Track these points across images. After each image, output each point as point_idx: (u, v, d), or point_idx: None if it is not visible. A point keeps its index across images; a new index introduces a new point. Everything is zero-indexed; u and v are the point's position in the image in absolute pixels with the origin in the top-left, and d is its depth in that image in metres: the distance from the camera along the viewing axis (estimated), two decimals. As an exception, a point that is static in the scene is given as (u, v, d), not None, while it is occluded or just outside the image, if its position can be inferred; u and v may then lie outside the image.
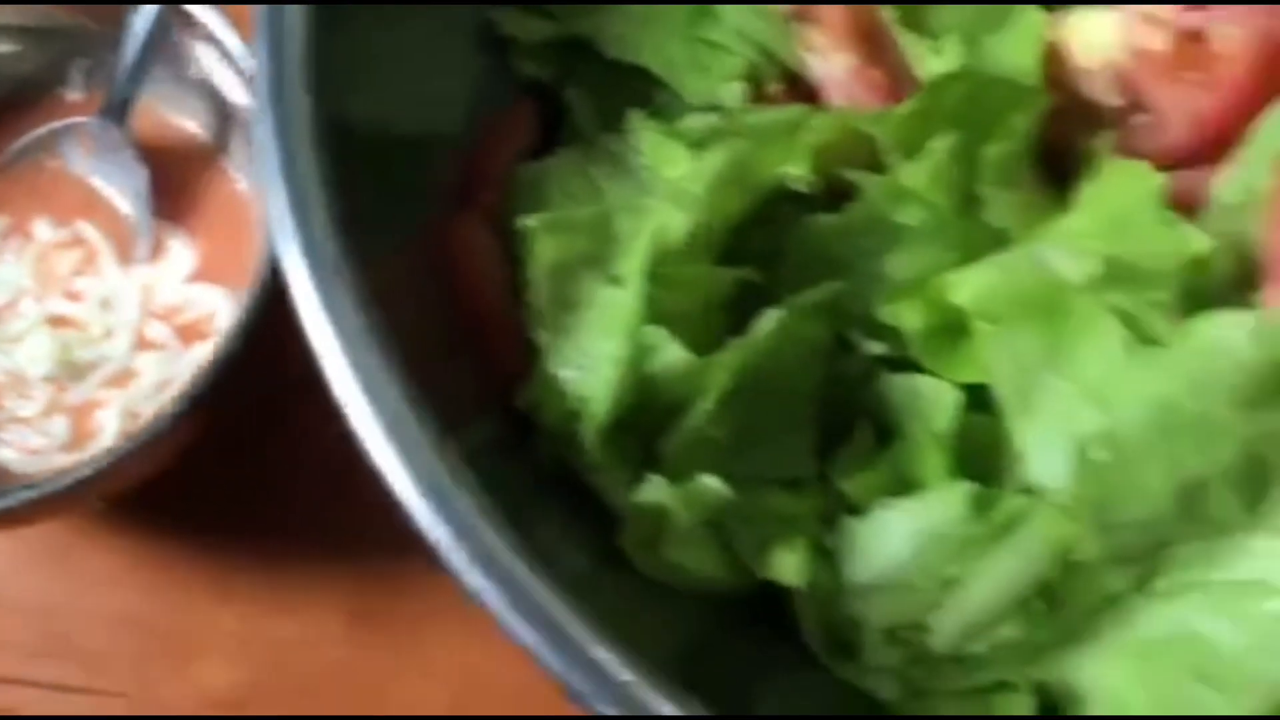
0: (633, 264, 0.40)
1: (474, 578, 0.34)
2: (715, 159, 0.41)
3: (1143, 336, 0.38)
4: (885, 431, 0.43)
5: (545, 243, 0.40)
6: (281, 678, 0.50)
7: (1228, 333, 0.37)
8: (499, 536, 0.34)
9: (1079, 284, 0.39)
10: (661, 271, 0.40)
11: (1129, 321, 0.38)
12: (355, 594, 0.51)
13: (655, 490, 0.38)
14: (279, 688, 0.50)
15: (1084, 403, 0.38)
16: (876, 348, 0.43)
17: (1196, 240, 0.40)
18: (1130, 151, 0.45)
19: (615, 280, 0.40)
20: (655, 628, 0.39)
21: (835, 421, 0.43)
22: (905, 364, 0.42)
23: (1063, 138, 0.46)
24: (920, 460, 0.41)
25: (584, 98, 0.50)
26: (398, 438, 0.35)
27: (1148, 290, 0.39)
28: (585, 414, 0.39)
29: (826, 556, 0.41)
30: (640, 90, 0.49)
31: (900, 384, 0.42)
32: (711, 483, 0.39)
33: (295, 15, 0.40)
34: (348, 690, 0.50)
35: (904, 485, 0.41)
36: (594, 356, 0.39)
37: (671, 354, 0.39)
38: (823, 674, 0.41)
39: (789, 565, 0.39)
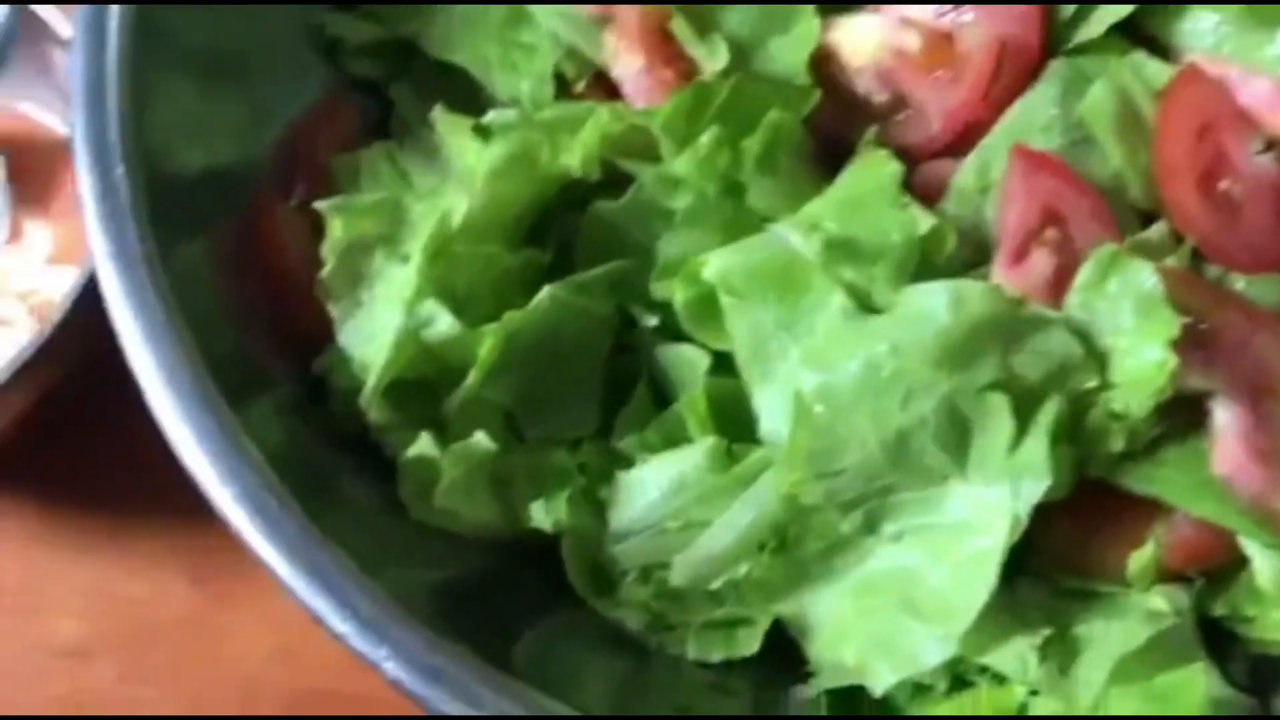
0: (418, 244, 0.47)
1: (232, 514, 0.41)
2: (498, 149, 0.49)
3: (866, 306, 0.46)
4: (663, 396, 0.51)
5: (335, 224, 0.47)
6: (123, 629, 0.57)
7: (928, 300, 0.44)
8: (261, 479, 0.41)
9: (811, 259, 0.46)
10: (446, 251, 0.48)
11: (855, 292, 0.46)
12: (196, 554, 0.58)
13: (425, 446, 0.46)
14: (120, 638, 0.57)
15: (807, 364, 0.45)
16: (651, 320, 0.50)
17: (923, 220, 0.47)
18: (894, 143, 0.53)
19: (403, 259, 0.48)
20: (428, 567, 0.46)
21: (622, 386, 0.51)
22: (678, 334, 0.50)
23: (836, 130, 0.53)
24: (685, 419, 0.49)
25: (409, 95, 0.57)
26: (177, 397, 0.42)
27: (874, 265, 0.46)
28: (367, 378, 0.46)
29: (597, 506, 0.48)
30: (462, 88, 0.57)
31: (670, 352, 0.50)
32: (481, 440, 0.46)
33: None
34: (184, 639, 0.57)
35: (673, 442, 0.49)
36: (378, 327, 0.47)
37: (444, 325, 0.46)
38: (582, 611, 0.48)
39: (540, 514, 0.47)
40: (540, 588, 0.48)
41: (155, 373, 0.42)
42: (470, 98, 0.57)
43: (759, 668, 0.47)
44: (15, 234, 0.59)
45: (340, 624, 0.39)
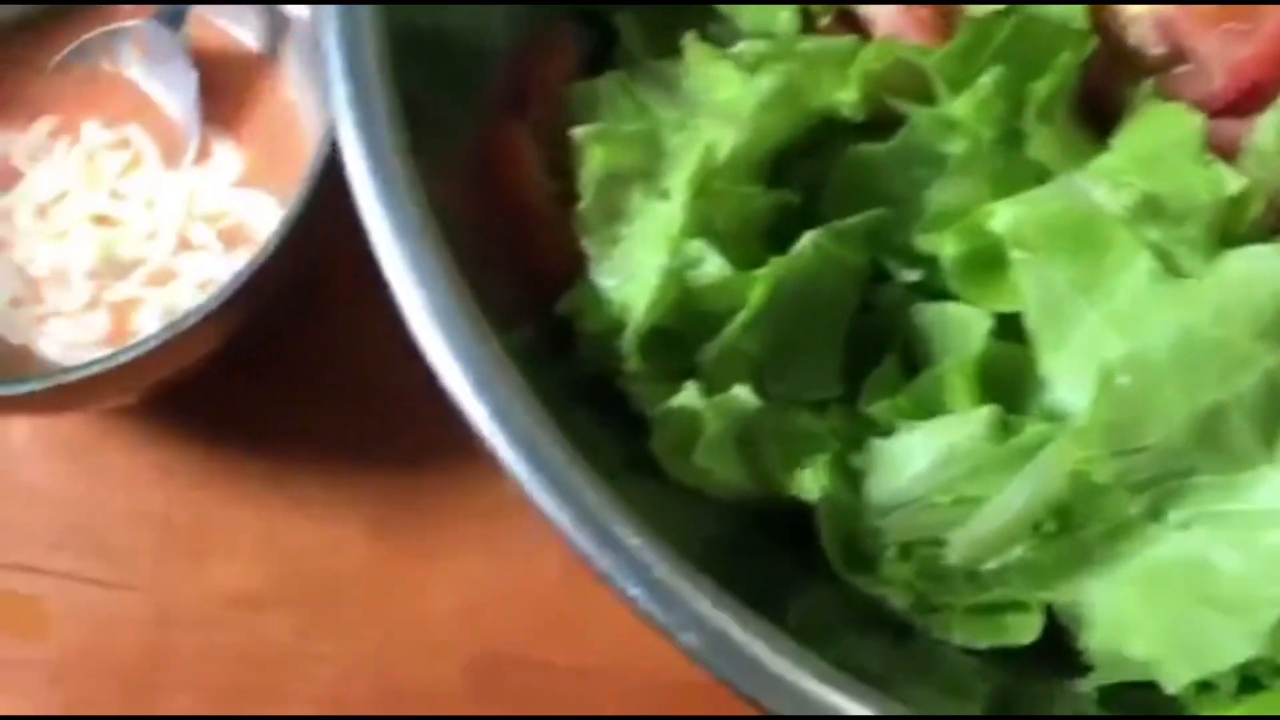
0: (681, 178, 0.43)
1: (513, 460, 0.38)
2: (766, 81, 0.45)
3: (1173, 270, 0.42)
4: (911, 360, 0.47)
5: (595, 153, 0.43)
6: (298, 580, 0.54)
7: (1260, 264, 0.40)
8: (539, 423, 0.38)
9: (1115, 216, 0.42)
10: (708, 187, 0.44)
11: (1160, 255, 0.42)
12: (374, 502, 0.55)
13: (689, 397, 0.42)
14: (295, 589, 0.54)
15: (1111, 329, 0.41)
16: (912, 275, 0.46)
17: (1232, 180, 0.43)
18: (1170, 99, 0.49)
19: (663, 194, 0.44)
20: (682, 529, 0.42)
21: (864, 347, 0.47)
22: (939, 292, 0.46)
23: (1104, 83, 0.49)
24: (947, 386, 0.45)
25: (634, 23, 0.54)
26: (445, 325, 0.39)
27: (1180, 226, 0.43)
28: (627, 321, 0.43)
29: (850, 475, 0.45)
30: (690, 18, 0.53)
31: (933, 311, 0.46)
32: (743, 394, 0.43)
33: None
34: (363, 592, 0.54)
35: (929, 411, 0.45)
36: (638, 266, 0.43)
37: (713, 266, 0.43)
38: (837, 586, 0.45)
39: (809, 481, 0.43)
40: (785, 560, 0.45)
41: (421, 302, 0.39)
42: (694, 28, 0.53)
43: (1022, 656, 0.44)
44: (203, 153, 0.55)
45: (632, 587, 0.36)
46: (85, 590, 0.54)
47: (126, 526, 0.55)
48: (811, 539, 0.45)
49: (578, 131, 0.44)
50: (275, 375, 0.57)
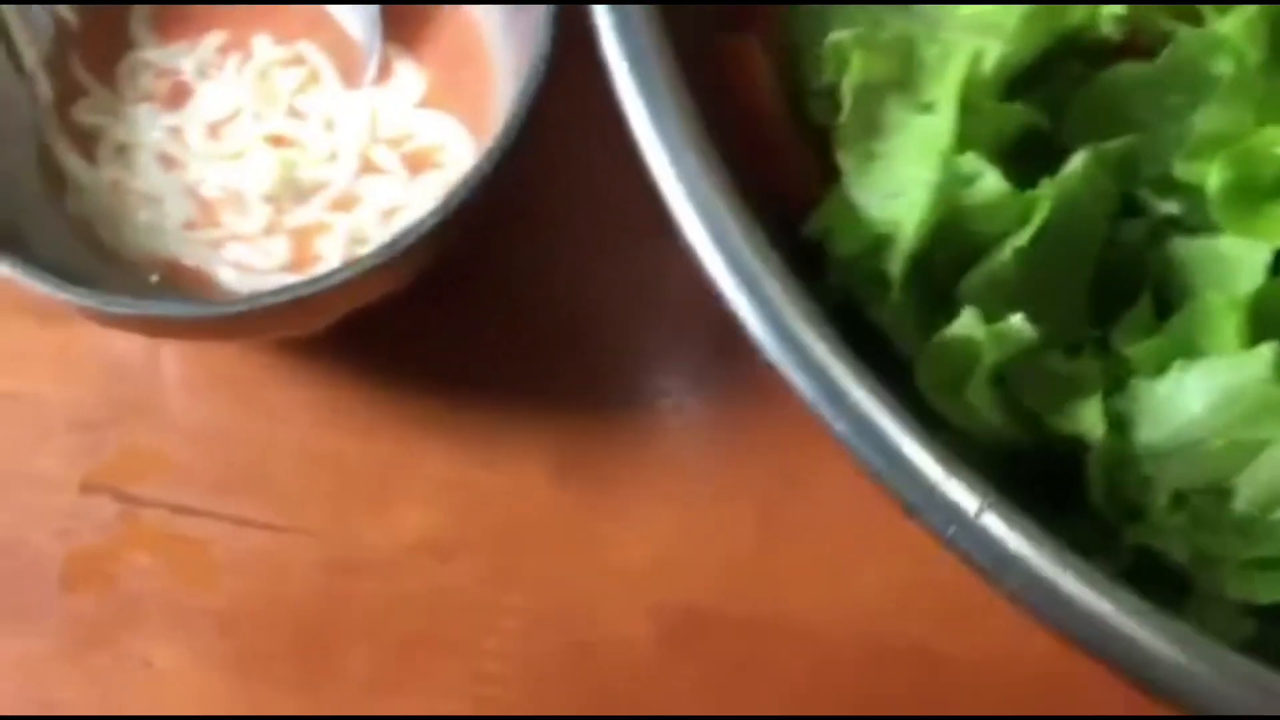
0: (946, 90, 0.40)
1: (797, 379, 0.35)
2: (1028, -10, 0.42)
3: None
4: (1162, 299, 0.44)
5: (856, 60, 0.40)
6: (481, 526, 0.51)
7: None
8: (836, 353, 0.35)
9: None
10: (970, 101, 0.41)
11: None
12: (559, 448, 0.52)
13: (967, 325, 0.39)
14: (479, 535, 0.51)
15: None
16: (1168, 206, 0.43)
17: None
18: None
19: (923, 107, 0.41)
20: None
21: (1108, 287, 0.44)
22: (1195, 226, 0.43)
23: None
24: (1213, 325, 0.42)
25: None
26: (712, 227, 0.36)
27: None
28: (894, 239, 0.40)
29: (1115, 419, 0.42)
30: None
31: (1197, 246, 0.43)
32: (1019, 323, 0.39)
33: None
34: (549, 542, 0.51)
35: (1190, 352, 0.42)
36: (904, 182, 0.40)
37: (990, 183, 0.39)
38: (1097, 535, 0.42)
39: (1089, 418, 0.40)
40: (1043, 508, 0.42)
41: (699, 219, 0.36)
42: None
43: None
44: (384, 72, 0.52)
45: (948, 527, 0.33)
46: (255, 535, 0.50)
47: (297, 468, 0.51)
48: (1066, 488, 0.42)
49: (835, 37, 0.41)
50: (448, 312, 0.53)
